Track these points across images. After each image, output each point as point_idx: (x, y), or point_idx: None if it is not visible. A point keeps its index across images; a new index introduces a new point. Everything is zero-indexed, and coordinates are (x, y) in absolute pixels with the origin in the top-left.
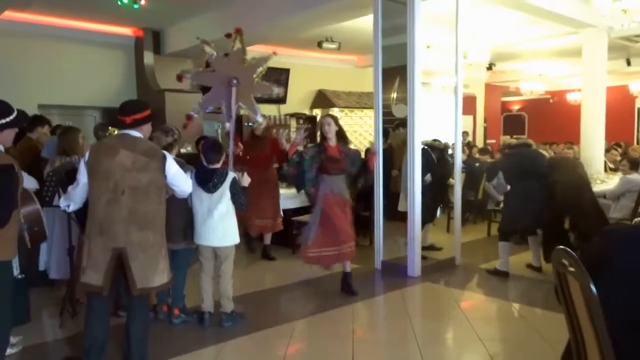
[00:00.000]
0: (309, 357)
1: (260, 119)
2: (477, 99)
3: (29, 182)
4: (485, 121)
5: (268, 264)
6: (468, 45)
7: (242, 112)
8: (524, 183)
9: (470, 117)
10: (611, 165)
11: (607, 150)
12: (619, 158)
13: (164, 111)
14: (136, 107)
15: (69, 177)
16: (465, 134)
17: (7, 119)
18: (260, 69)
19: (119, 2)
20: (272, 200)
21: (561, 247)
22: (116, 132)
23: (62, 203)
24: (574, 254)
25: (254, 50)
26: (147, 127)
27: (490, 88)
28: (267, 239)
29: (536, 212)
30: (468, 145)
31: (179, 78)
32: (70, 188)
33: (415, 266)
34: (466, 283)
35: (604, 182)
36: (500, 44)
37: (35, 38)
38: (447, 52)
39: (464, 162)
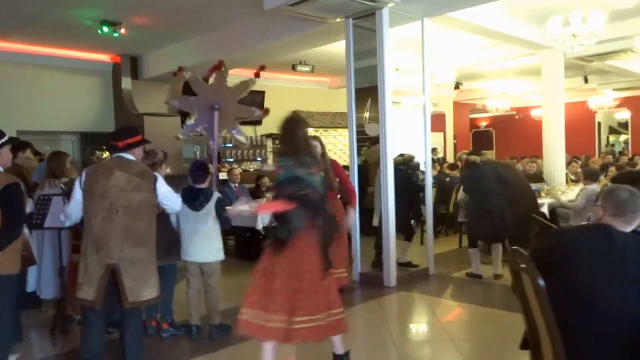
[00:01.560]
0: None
1: (242, 138)
2: (447, 117)
3: (28, 207)
4: (455, 138)
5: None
6: (435, 67)
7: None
8: (477, 197)
9: (441, 134)
10: (572, 177)
11: (568, 164)
12: (579, 170)
13: (143, 135)
14: (129, 133)
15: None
16: (435, 150)
17: (4, 139)
18: (245, 93)
19: (100, 32)
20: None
21: (515, 247)
22: (105, 155)
23: (62, 218)
24: (526, 253)
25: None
26: (139, 151)
27: (458, 106)
28: None
29: (489, 223)
30: (438, 161)
31: (180, 71)
32: (65, 207)
33: (391, 277)
34: (439, 291)
35: (565, 193)
36: (465, 65)
37: (14, 65)
38: (416, 73)
39: (434, 177)
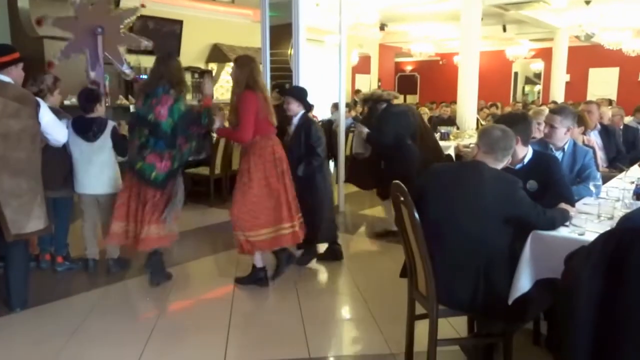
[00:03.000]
0: (192, 297)
1: (127, 70)
2: (372, 59)
3: None
4: (379, 80)
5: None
6: (357, 5)
7: None
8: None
9: (367, 76)
10: (483, 122)
11: (480, 109)
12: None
13: (42, 59)
14: (1, 50)
15: None
16: (357, 91)
17: None
18: (128, 20)
19: None
20: None
21: (396, 181)
22: None
23: None
24: (404, 187)
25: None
26: (17, 72)
27: (384, 48)
28: None
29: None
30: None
31: (39, 22)
32: None
33: None
34: (344, 226)
35: (471, 137)
36: (389, 6)
37: None
38: (337, 11)
39: (353, 118)
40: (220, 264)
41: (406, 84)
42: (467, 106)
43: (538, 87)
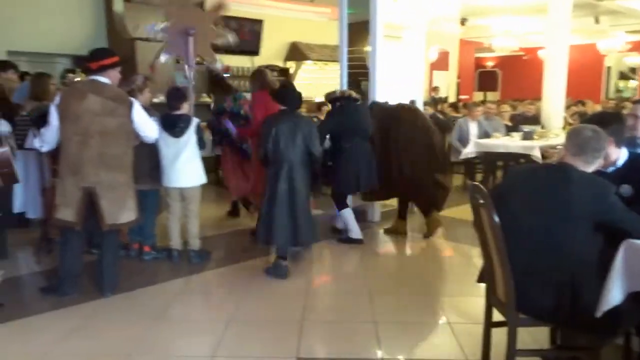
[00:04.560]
0: (268, 289)
1: (219, 66)
2: (451, 55)
3: (3, 126)
4: (458, 77)
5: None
6: (436, 1)
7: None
8: (353, 142)
9: (445, 73)
10: (570, 121)
11: (568, 107)
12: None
13: (135, 60)
14: (104, 54)
15: (42, 120)
16: (435, 88)
17: None
18: (222, 40)
19: None
20: None
21: (475, 183)
22: (77, 78)
23: (37, 144)
24: (484, 189)
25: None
26: (114, 74)
27: (464, 44)
28: None
29: (369, 171)
30: (440, 100)
31: (151, 68)
32: (43, 130)
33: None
34: (419, 227)
35: (558, 136)
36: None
37: None
38: (416, 6)
39: (430, 115)
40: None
41: (487, 80)
42: (553, 104)
43: (634, 83)
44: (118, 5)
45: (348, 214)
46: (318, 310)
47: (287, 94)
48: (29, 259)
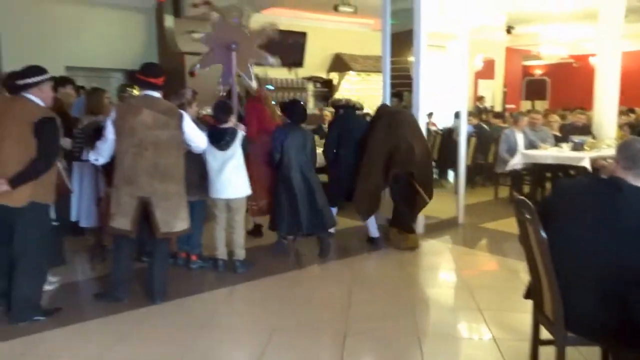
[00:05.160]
0: (309, 300)
1: (254, 85)
2: (496, 63)
3: (65, 142)
4: (504, 86)
5: None
6: (482, 8)
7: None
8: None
9: (490, 82)
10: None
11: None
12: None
13: (183, 73)
14: (155, 71)
15: (97, 134)
16: (480, 98)
17: (45, 76)
18: (260, 40)
19: None
20: None
21: (521, 197)
22: (134, 92)
23: (92, 157)
24: (530, 204)
25: (273, 15)
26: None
27: (510, 52)
28: None
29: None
30: (484, 110)
31: (192, 74)
32: (98, 143)
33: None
34: (464, 240)
35: (610, 147)
36: (517, 7)
37: (63, 2)
38: (460, 15)
39: (474, 126)
40: (338, 268)
41: (535, 89)
42: (605, 113)
43: None
44: (169, 21)
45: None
46: (361, 321)
47: (296, 109)
48: (83, 266)
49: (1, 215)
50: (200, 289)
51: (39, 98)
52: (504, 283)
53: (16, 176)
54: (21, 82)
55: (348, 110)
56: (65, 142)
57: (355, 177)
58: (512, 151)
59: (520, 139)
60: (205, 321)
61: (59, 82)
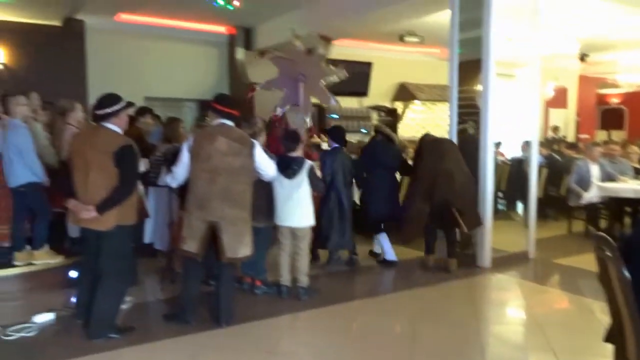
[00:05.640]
0: (373, 332)
1: (333, 102)
2: (569, 91)
3: (142, 165)
4: (577, 115)
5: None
6: (554, 36)
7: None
8: (375, 174)
9: (562, 111)
10: None
11: None
12: None
13: (253, 102)
14: (229, 102)
15: (175, 158)
16: (556, 128)
17: (121, 105)
18: (331, 78)
19: (215, 4)
20: None
21: (600, 233)
22: (207, 119)
23: (168, 179)
24: (611, 241)
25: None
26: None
27: (584, 80)
28: None
29: (389, 202)
30: (548, 141)
31: (262, 53)
32: (174, 167)
33: (485, 257)
34: (535, 276)
35: None
36: (593, 34)
37: (143, 37)
38: (532, 43)
39: (545, 156)
40: (402, 300)
41: (611, 118)
42: None
43: None
44: (239, 53)
45: (383, 237)
46: (426, 357)
47: (340, 134)
48: (154, 287)
49: (90, 238)
50: (265, 314)
51: (116, 125)
52: (579, 323)
53: (102, 203)
54: (100, 112)
55: (377, 136)
56: (143, 165)
57: (389, 202)
58: (584, 183)
59: (594, 170)
60: (269, 347)
61: (139, 111)
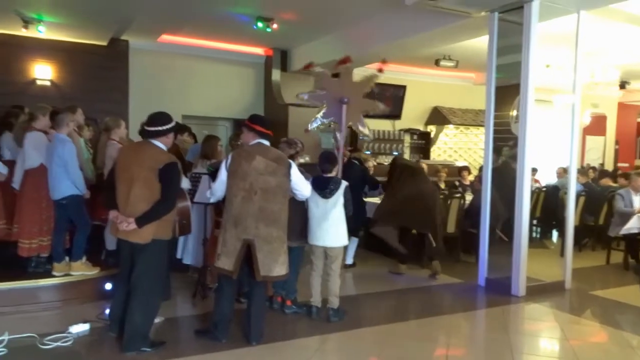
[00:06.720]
0: (403, 358)
1: (367, 131)
2: (608, 119)
3: (185, 182)
4: (616, 143)
5: (375, 270)
6: (595, 64)
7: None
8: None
9: (601, 138)
10: None
11: None
12: None
13: (287, 123)
14: (268, 123)
15: (214, 175)
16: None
17: (172, 125)
18: (369, 88)
19: (254, 27)
20: None
21: None
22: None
23: (208, 194)
24: None
25: (370, 68)
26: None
27: (624, 107)
28: None
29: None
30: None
31: (307, 67)
32: (212, 184)
33: (519, 285)
34: (571, 307)
35: None
36: (633, 62)
37: (183, 57)
38: (570, 70)
39: (583, 184)
40: (433, 326)
41: None
42: None
43: None
44: (276, 75)
45: (353, 242)
46: None
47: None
48: (186, 302)
49: (127, 250)
50: (295, 334)
51: (163, 143)
52: (618, 358)
53: (142, 216)
54: (152, 129)
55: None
56: (186, 182)
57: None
58: (626, 213)
59: (636, 201)
60: None
61: (178, 129)
